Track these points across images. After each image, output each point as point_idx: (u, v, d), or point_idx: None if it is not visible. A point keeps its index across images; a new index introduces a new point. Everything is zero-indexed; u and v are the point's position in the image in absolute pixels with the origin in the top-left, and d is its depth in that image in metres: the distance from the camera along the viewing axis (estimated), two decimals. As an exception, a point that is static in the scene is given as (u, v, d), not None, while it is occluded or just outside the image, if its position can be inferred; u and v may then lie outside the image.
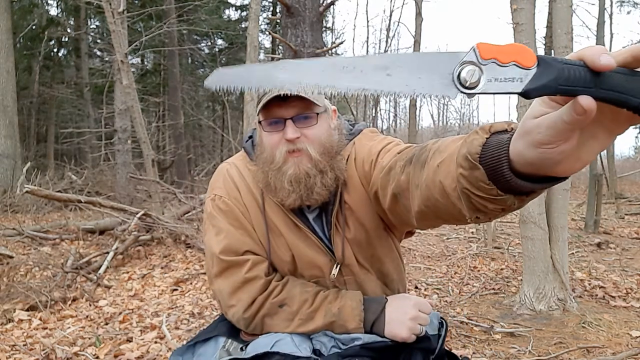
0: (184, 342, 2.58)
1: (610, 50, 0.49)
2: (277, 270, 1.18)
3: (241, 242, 1.14)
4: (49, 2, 14.13)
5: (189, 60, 16.00)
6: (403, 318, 1.08)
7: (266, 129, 1.10)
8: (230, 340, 1.15)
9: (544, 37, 10.39)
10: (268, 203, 1.15)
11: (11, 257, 3.99)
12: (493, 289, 3.56)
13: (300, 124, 1.08)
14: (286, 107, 1.07)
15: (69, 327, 2.85)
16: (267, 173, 1.11)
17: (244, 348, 1.11)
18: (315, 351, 1.08)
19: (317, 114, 1.10)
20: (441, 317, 1.20)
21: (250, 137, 1.25)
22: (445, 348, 1.19)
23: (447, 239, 5.64)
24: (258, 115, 1.11)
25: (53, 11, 14.27)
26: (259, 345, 1.07)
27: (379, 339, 1.08)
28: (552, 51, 3.20)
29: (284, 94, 1.04)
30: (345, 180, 1.14)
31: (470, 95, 0.52)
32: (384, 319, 1.09)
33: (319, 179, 1.08)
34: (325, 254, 1.16)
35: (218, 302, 1.20)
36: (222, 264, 1.13)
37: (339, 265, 1.16)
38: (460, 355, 1.22)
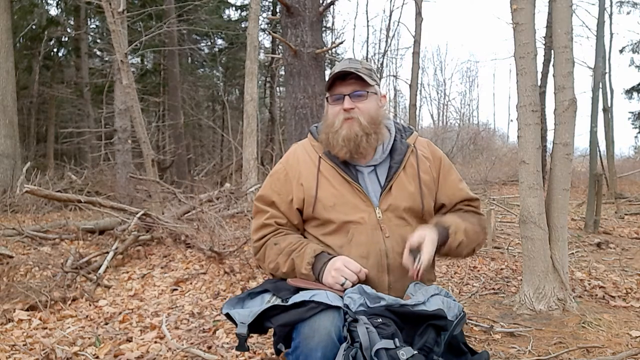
0: (184, 342, 2.59)
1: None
2: (324, 210, 1.51)
3: (270, 193, 1.58)
4: (49, 2, 14.14)
5: (189, 60, 15.99)
6: (330, 269, 1.39)
7: (331, 103, 1.52)
8: (275, 297, 1.42)
9: (544, 37, 10.40)
10: (323, 164, 1.55)
11: (11, 257, 3.99)
12: (493, 288, 3.56)
13: (355, 99, 1.48)
14: (345, 85, 1.49)
15: (69, 327, 2.85)
16: (328, 134, 1.51)
17: (285, 301, 1.36)
18: (345, 306, 1.30)
19: (368, 92, 1.50)
20: (463, 310, 1.40)
21: (316, 126, 1.67)
22: (467, 342, 1.41)
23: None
24: (327, 93, 1.54)
25: (53, 11, 14.28)
26: (299, 296, 1.33)
27: (401, 301, 1.32)
28: (552, 51, 3.20)
29: (342, 75, 1.48)
30: (415, 152, 1.56)
31: None
32: (324, 270, 1.40)
33: (365, 139, 1.48)
34: (367, 201, 1.49)
35: None
36: (255, 208, 1.62)
37: (380, 211, 1.49)
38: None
